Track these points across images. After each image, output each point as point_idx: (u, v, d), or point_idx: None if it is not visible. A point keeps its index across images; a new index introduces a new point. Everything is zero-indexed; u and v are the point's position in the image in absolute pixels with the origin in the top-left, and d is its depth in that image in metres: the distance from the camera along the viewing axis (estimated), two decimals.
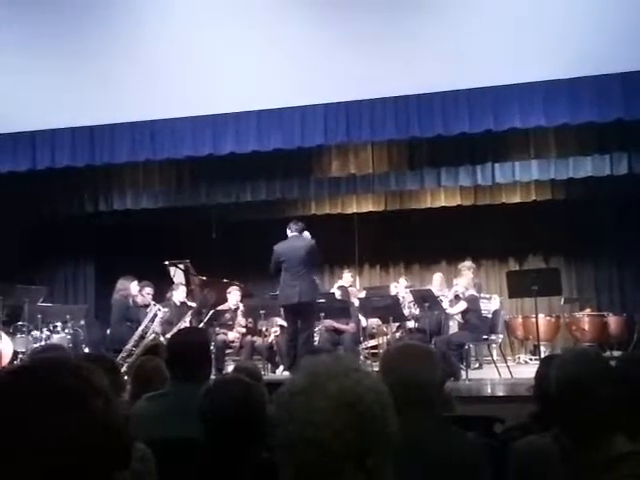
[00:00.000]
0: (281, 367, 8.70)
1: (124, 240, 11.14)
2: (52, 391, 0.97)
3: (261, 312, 8.61)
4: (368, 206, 10.83)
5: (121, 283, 8.65)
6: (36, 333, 8.80)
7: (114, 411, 1.00)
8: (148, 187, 9.68)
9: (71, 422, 0.95)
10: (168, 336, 7.78)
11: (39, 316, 8.84)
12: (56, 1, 7.39)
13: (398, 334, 9.09)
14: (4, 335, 8.35)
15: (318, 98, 7.61)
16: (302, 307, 7.85)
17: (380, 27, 6.97)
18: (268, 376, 8.06)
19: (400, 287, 9.92)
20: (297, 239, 7.95)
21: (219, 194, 9.83)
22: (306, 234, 8.05)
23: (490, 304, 9.65)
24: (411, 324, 8.97)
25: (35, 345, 8.29)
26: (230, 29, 7.23)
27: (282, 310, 8.37)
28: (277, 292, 8.20)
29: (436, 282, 9.66)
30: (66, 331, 9.18)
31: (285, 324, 8.55)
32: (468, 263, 8.91)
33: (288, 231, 8.05)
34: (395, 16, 6.94)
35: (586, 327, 9.46)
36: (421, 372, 2.12)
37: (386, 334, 9.16)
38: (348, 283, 10.05)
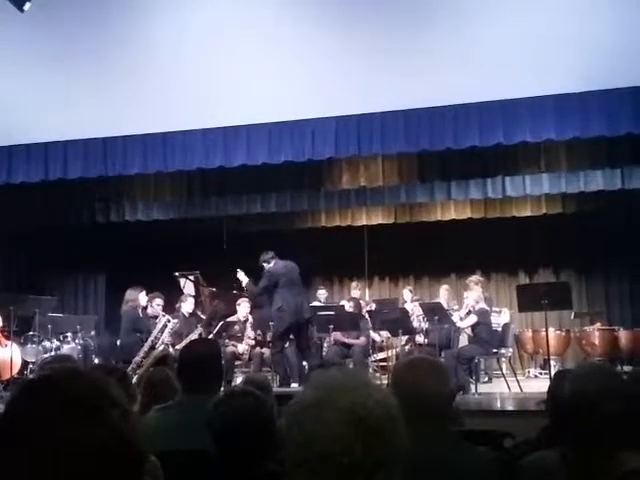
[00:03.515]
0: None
1: (135, 251, 11.18)
2: (69, 400, 0.98)
3: (270, 324, 8.60)
4: (378, 218, 10.84)
5: (130, 294, 8.66)
6: (46, 343, 8.83)
7: (130, 423, 1.01)
8: (159, 198, 9.73)
9: (86, 431, 0.96)
10: (177, 347, 7.81)
11: (49, 326, 8.87)
12: (68, 16, 7.46)
13: (407, 347, 9.06)
14: (14, 345, 8.38)
15: (329, 111, 7.63)
16: (307, 321, 8.35)
17: (391, 41, 7.00)
18: (276, 388, 8.04)
19: (405, 298, 9.90)
20: (285, 263, 8.44)
21: (230, 206, 9.88)
22: None
23: (500, 318, 9.61)
24: (420, 339, 8.92)
25: (45, 355, 8.32)
26: (242, 42, 7.27)
27: (286, 327, 8.40)
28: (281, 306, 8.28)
29: (443, 295, 9.64)
30: (76, 341, 9.21)
31: (292, 336, 8.57)
32: (475, 277, 8.88)
33: (266, 264, 8.53)
34: (407, 30, 6.97)
35: (596, 341, 9.39)
36: (431, 386, 2.12)
37: (395, 347, 9.14)
38: (356, 296, 10.04)
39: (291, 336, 8.58)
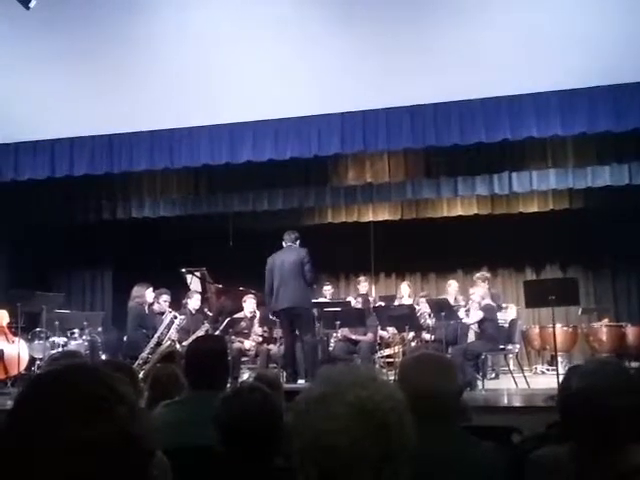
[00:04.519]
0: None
1: (141, 247, 11.20)
2: (78, 396, 0.99)
3: (277, 320, 8.60)
4: (384, 215, 10.82)
5: (136, 290, 8.68)
6: (54, 339, 8.86)
7: (138, 420, 1.01)
8: (166, 195, 9.75)
9: (94, 428, 0.96)
10: (184, 344, 7.82)
11: (57, 322, 8.88)
12: (76, 14, 7.47)
13: (413, 343, 9.05)
14: (21, 341, 8.41)
15: (335, 107, 7.63)
16: (294, 312, 8.01)
17: (397, 37, 6.99)
18: (284, 384, 8.03)
19: (403, 293, 9.87)
20: (289, 250, 8.18)
21: (236, 202, 9.89)
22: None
23: (507, 314, 9.60)
24: (427, 337, 8.91)
25: (53, 351, 8.34)
26: (248, 39, 7.27)
27: (277, 319, 8.42)
28: None
29: (451, 291, 9.63)
30: (83, 337, 9.23)
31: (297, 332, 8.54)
32: (481, 274, 8.87)
33: (283, 242, 8.26)
34: (412, 26, 6.96)
35: (604, 337, 9.37)
36: (439, 382, 2.12)
37: (402, 343, 9.13)
38: (364, 291, 10.01)
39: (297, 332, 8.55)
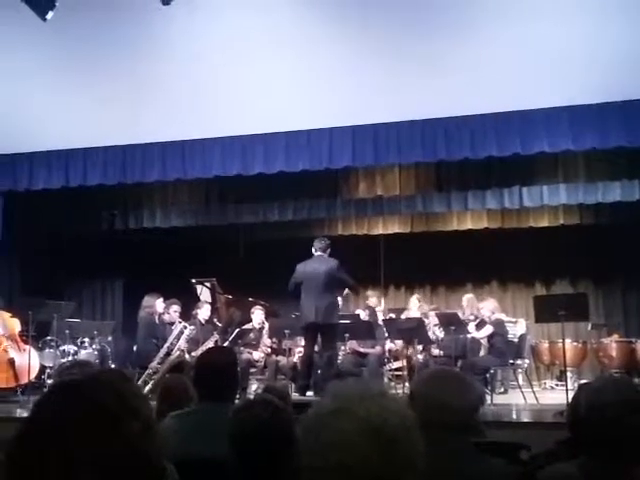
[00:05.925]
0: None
1: (152, 257, 11.24)
2: (92, 412, 1.00)
3: (286, 332, 8.60)
4: (394, 228, 10.83)
5: (147, 301, 8.71)
6: (64, 348, 8.90)
7: (150, 436, 1.02)
8: (177, 206, 9.80)
9: (105, 444, 0.97)
10: (193, 354, 7.84)
11: (67, 331, 8.93)
12: (88, 24, 7.53)
13: (421, 356, 9.03)
14: (32, 349, 8.45)
15: (346, 120, 7.66)
16: (320, 328, 7.80)
17: (408, 50, 7.01)
18: (292, 397, 8.01)
19: (413, 306, 9.82)
20: (319, 259, 7.91)
21: (247, 213, 9.92)
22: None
23: (516, 328, 9.57)
24: (436, 351, 8.87)
25: (63, 360, 8.38)
26: (259, 51, 7.31)
27: (301, 330, 8.30)
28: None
29: (465, 304, 9.58)
30: (93, 347, 9.27)
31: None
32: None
33: (313, 249, 8.01)
34: (423, 40, 6.98)
35: (613, 353, 9.32)
36: (454, 398, 2.12)
37: (410, 356, 9.10)
38: (373, 305, 9.97)
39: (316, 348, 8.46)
